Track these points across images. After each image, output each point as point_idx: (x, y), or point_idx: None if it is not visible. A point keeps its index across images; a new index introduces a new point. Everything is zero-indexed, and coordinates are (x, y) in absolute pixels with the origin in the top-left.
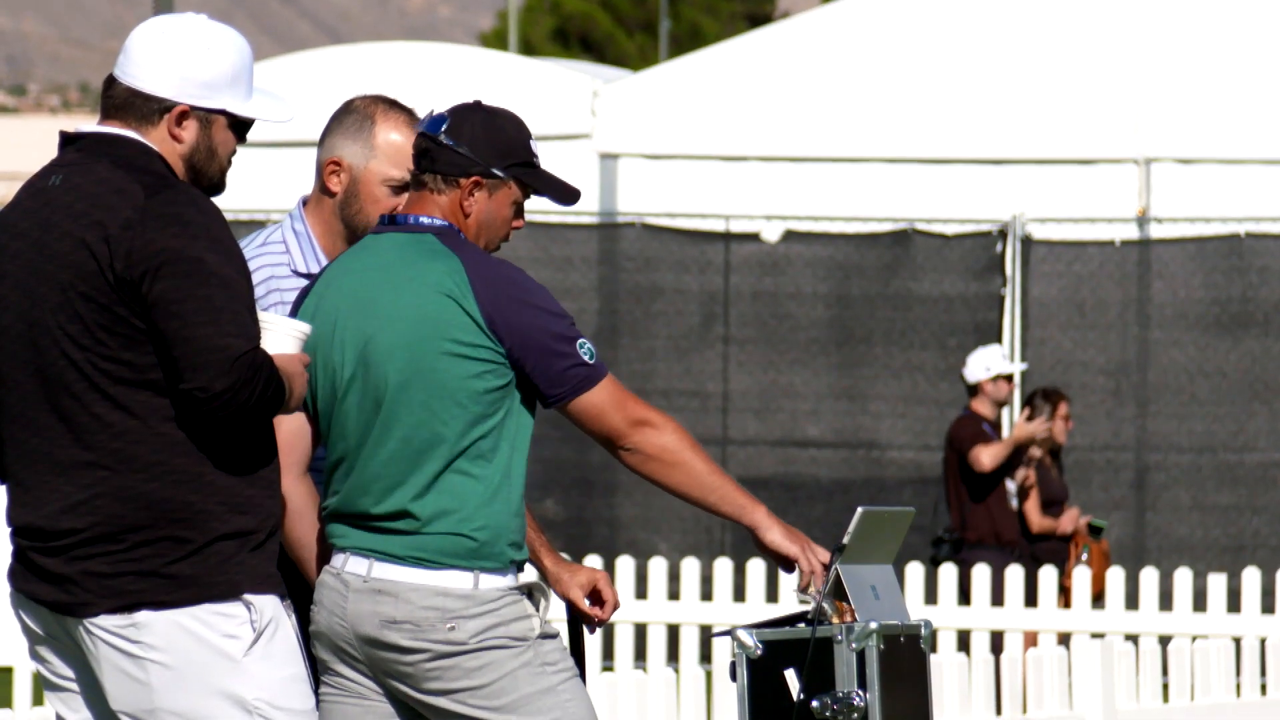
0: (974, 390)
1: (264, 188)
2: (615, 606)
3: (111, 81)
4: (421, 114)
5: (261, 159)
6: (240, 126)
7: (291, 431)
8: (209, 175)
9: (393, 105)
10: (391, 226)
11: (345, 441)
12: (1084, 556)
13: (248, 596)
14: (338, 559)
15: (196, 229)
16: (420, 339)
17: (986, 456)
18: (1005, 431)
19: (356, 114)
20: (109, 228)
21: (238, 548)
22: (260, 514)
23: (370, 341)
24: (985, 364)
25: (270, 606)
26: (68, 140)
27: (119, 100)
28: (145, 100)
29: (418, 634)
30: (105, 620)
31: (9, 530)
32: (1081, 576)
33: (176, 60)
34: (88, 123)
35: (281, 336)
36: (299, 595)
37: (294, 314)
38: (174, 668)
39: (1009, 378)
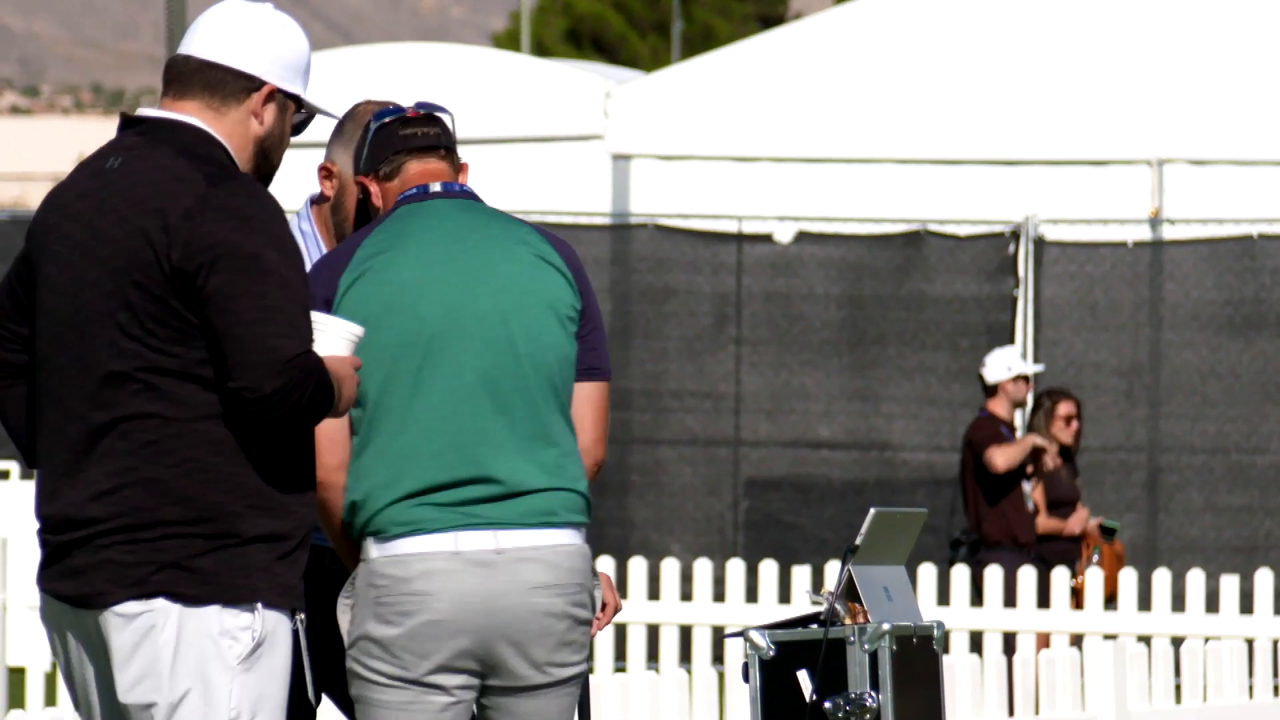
0: (993, 391)
1: (272, 187)
2: (616, 610)
3: (181, 61)
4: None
5: None
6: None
7: (338, 427)
8: (274, 163)
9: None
10: (441, 194)
11: (434, 416)
12: (1095, 558)
13: (260, 606)
14: (441, 539)
15: (257, 224)
16: (540, 306)
17: (1000, 458)
18: (1020, 434)
19: (353, 121)
20: (169, 216)
21: (267, 553)
22: (293, 520)
23: (472, 307)
24: (1006, 364)
25: (275, 622)
26: (128, 123)
27: (198, 78)
28: (235, 77)
29: (568, 598)
30: (122, 608)
31: (38, 526)
32: (1094, 577)
33: (267, 40)
34: (149, 107)
35: (334, 338)
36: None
37: (334, 292)
38: (178, 660)
39: (1029, 379)
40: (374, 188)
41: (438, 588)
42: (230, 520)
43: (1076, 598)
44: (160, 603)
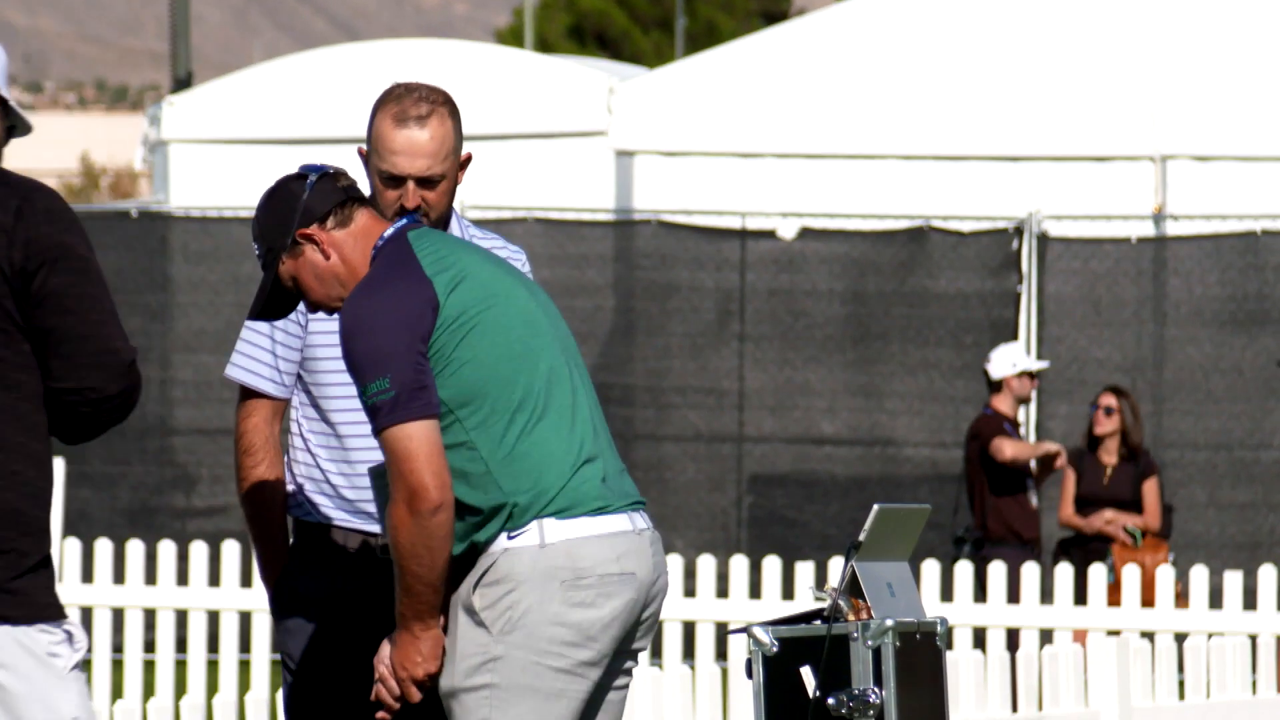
0: (997, 386)
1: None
2: None
3: None
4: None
5: (277, 156)
6: None
7: (440, 446)
8: None
9: (396, 98)
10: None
11: (564, 403)
12: (1109, 560)
13: (66, 620)
14: (620, 519)
15: (78, 229)
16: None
17: (1009, 447)
18: (1024, 430)
19: (392, 101)
20: (1, 218)
21: (51, 570)
22: (50, 535)
23: (546, 308)
24: (1011, 360)
25: (79, 631)
26: None
27: None
28: None
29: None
30: None
31: None
32: (1098, 574)
33: None
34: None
35: None
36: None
37: (436, 295)
38: (12, 685)
39: (1033, 375)
40: (323, 236)
41: (634, 566)
42: (40, 535)
43: (1114, 593)
44: None
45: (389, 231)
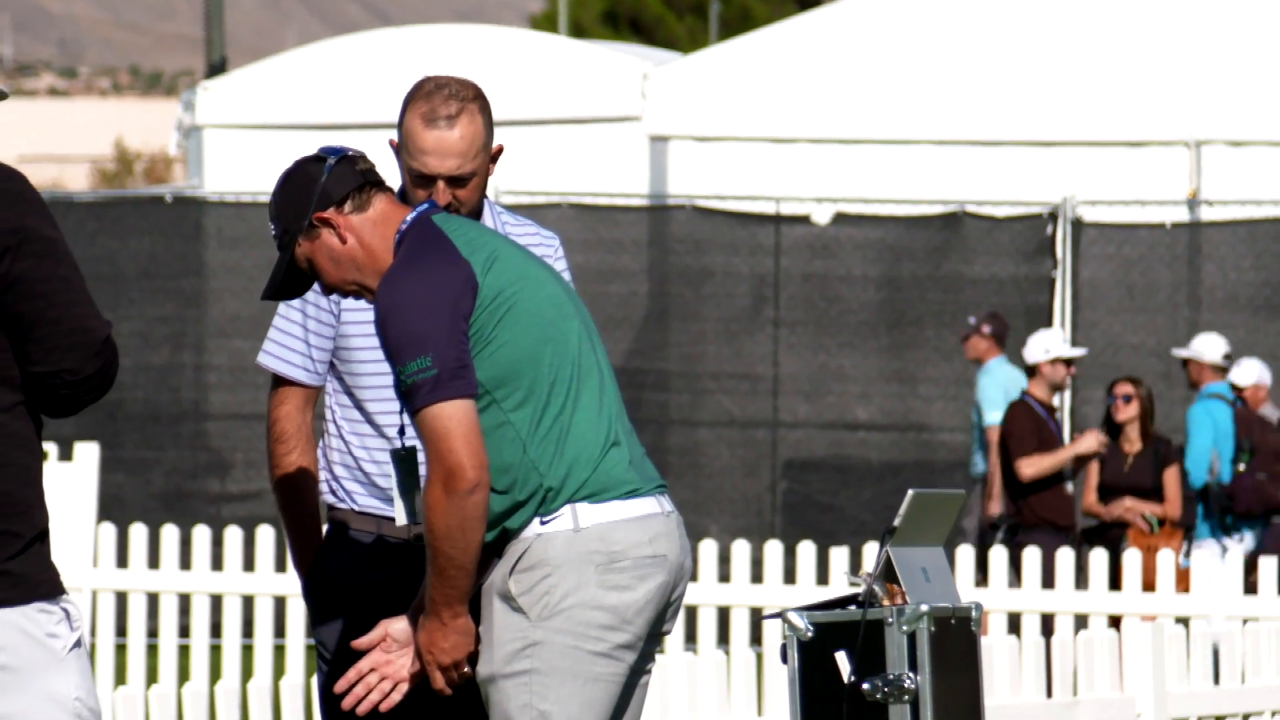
0: (1031, 372)
1: None
2: None
3: None
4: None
5: (311, 141)
6: None
7: (478, 427)
8: None
9: (425, 95)
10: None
11: (593, 385)
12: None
13: (64, 596)
14: (649, 502)
15: (38, 207)
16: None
17: (1028, 468)
18: (1060, 416)
19: (423, 95)
20: None
21: (47, 546)
22: (46, 511)
23: (569, 293)
24: (1045, 346)
25: (76, 609)
26: None
27: None
28: None
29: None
30: None
31: None
32: (1132, 560)
33: None
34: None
35: None
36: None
37: (474, 275)
38: (10, 668)
39: (1067, 362)
40: (339, 220)
41: (666, 549)
42: (31, 515)
43: (1183, 581)
44: None
45: (411, 215)
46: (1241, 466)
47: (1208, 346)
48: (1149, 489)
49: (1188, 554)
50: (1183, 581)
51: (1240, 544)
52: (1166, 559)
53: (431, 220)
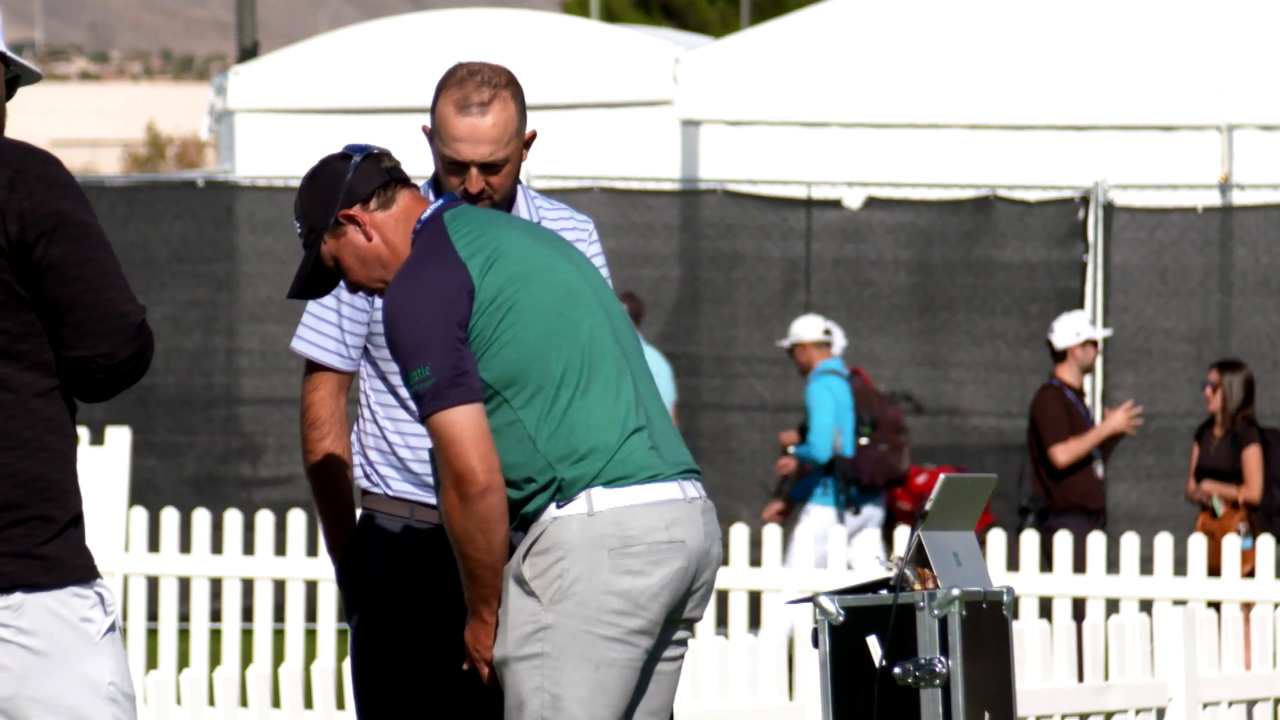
0: (1061, 356)
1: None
2: None
3: None
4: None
5: (343, 126)
6: None
7: (486, 427)
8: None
9: (458, 81)
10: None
11: (610, 371)
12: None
13: (98, 580)
14: (670, 487)
15: (75, 192)
16: (600, 274)
17: (1063, 454)
18: (1089, 400)
19: (455, 82)
20: None
21: (81, 530)
22: (80, 495)
23: (589, 277)
24: (1075, 329)
25: (109, 593)
26: None
27: None
28: None
29: (721, 548)
30: None
31: None
32: (1162, 544)
33: None
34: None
35: None
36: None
37: (470, 278)
38: (44, 652)
39: (1097, 344)
40: (365, 218)
41: (684, 535)
42: (65, 499)
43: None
44: (18, 598)
45: (426, 214)
46: (864, 440)
47: (805, 328)
48: (1226, 471)
49: (1248, 534)
50: (1246, 563)
51: (858, 516)
52: (1231, 544)
53: (441, 220)
